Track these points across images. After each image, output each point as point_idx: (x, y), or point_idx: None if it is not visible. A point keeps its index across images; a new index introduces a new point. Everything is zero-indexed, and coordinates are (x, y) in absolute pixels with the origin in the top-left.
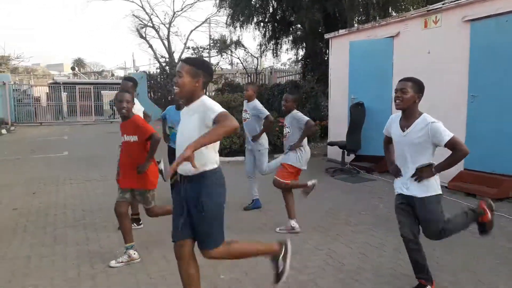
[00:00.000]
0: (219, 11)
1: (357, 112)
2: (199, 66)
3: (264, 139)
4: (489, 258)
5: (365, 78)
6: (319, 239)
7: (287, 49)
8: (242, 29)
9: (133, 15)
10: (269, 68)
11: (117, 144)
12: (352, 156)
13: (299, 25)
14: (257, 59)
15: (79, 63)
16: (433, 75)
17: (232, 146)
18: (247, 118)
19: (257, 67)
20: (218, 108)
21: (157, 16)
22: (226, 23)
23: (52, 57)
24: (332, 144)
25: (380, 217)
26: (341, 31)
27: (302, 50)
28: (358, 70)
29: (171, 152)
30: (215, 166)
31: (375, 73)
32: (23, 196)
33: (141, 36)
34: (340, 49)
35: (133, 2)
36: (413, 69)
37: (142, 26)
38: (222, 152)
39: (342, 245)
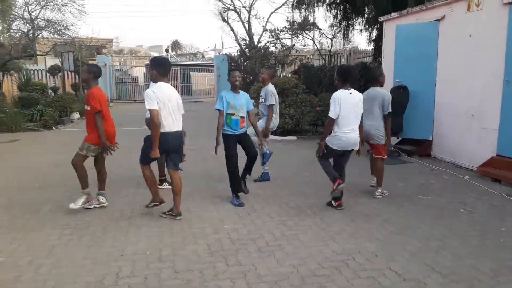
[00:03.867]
0: None
1: (398, 95)
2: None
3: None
4: (467, 232)
5: (410, 61)
6: (319, 203)
7: (361, 30)
8: (308, 11)
9: None
10: (347, 49)
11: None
12: (398, 139)
13: (372, 6)
14: (331, 41)
15: (176, 45)
16: (472, 59)
17: (285, 126)
18: (261, 102)
19: (330, 49)
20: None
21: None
22: (292, 5)
23: (154, 39)
24: None
25: (391, 194)
26: (393, 14)
27: (377, 31)
28: (403, 54)
29: (235, 140)
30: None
31: (419, 56)
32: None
33: (223, 20)
34: (392, 32)
35: None
36: (456, 53)
37: (225, 9)
38: (276, 132)
39: (337, 211)
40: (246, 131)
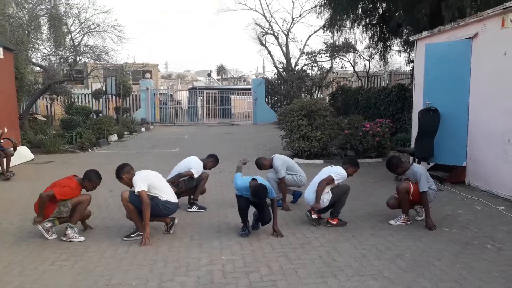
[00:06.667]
0: (318, 17)
1: (427, 118)
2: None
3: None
4: (490, 272)
5: (441, 82)
6: (329, 234)
7: (399, 51)
8: (340, 32)
9: (256, 23)
10: (388, 71)
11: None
12: (431, 165)
13: (409, 26)
14: (369, 62)
15: (221, 69)
16: (508, 79)
17: (311, 149)
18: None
19: (368, 70)
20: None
21: (277, 23)
22: (324, 28)
23: (202, 64)
24: (401, 151)
25: (411, 225)
26: (424, 33)
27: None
28: (433, 74)
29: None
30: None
31: (451, 77)
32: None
33: (261, 43)
34: (423, 52)
35: (256, 11)
36: (490, 72)
37: (263, 33)
38: (302, 155)
39: (347, 243)
40: None
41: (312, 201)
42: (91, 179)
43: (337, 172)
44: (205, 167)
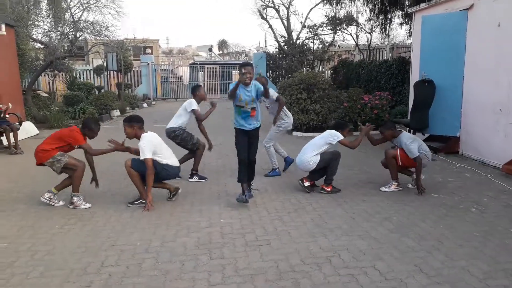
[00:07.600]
0: None
1: (423, 90)
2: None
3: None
4: (470, 232)
5: (437, 54)
6: (322, 200)
7: (400, 24)
8: (340, 4)
9: None
10: (390, 44)
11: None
12: (426, 135)
13: None
14: (370, 35)
15: (222, 44)
16: (501, 50)
17: (310, 123)
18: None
19: (369, 43)
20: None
21: None
22: (324, 0)
23: (203, 39)
24: (396, 122)
25: (402, 192)
26: (422, 5)
27: None
28: (429, 46)
29: (244, 134)
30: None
31: (447, 48)
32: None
33: (262, 17)
34: (420, 24)
35: None
36: (484, 44)
37: (264, 7)
38: (301, 128)
39: (339, 208)
40: (259, 126)
41: (302, 165)
42: (90, 126)
43: (331, 134)
44: (196, 100)
